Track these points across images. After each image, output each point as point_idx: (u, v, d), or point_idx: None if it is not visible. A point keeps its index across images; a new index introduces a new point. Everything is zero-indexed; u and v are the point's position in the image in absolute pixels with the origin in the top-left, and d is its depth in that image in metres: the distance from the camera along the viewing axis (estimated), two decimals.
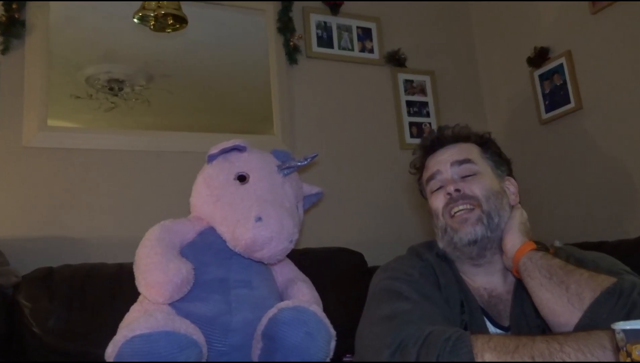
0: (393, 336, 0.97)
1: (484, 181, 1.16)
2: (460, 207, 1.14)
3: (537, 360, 0.83)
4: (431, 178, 1.21)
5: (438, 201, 1.18)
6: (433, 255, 1.21)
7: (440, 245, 1.20)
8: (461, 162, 1.18)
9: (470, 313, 1.09)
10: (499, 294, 1.16)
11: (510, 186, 1.24)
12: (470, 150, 1.21)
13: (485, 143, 1.25)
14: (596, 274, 0.98)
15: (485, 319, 1.10)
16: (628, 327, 0.61)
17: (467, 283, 1.16)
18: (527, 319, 1.09)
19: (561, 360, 0.81)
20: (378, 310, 1.08)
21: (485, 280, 1.17)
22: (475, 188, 1.14)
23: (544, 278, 1.00)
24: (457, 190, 1.14)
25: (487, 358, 0.86)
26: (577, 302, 0.94)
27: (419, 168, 1.30)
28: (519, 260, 1.06)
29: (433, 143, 1.24)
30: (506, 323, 1.11)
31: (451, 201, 1.14)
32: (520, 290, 1.12)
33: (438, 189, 1.19)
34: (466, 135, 1.24)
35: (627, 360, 0.60)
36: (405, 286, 1.09)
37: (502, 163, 1.25)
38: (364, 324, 1.12)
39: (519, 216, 1.16)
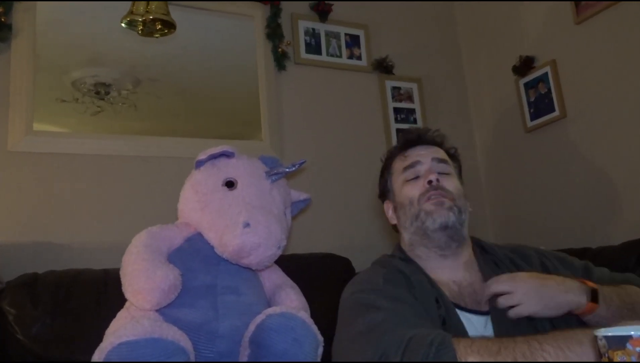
0: (373, 350, 0.97)
1: (456, 181, 1.26)
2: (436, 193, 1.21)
3: (519, 361, 0.85)
4: (410, 166, 1.26)
5: (414, 190, 1.24)
6: (396, 259, 1.26)
7: (407, 236, 1.26)
8: (441, 160, 1.26)
9: (446, 308, 1.11)
10: (470, 283, 1.20)
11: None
12: (445, 155, 1.31)
13: (454, 157, 1.36)
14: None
15: (458, 311, 1.12)
16: (610, 334, 0.63)
17: (436, 280, 1.20)
18: None
19: (542, 359, 0.84)
20: (352, 326, 1.09)
21: (452, 274, 1.22)
22: (451, 185, 1.23)
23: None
24: (438, 180, 1.21)
25: (471, 360, 0.88)
26: None
27: (390, 161, 1.35)
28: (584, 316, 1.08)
29: (418, 137, 1.31)
30: (485, 308, 1.14)
31: (431, 188, 1.20)
32: (490, 274, 1.18)
33: (414, 178, 1.25)
34: (441, 142, 1.33)
35: None
36: (374, 295, 1.11)
37: (461, 173, 1.36)
38: (340, 342, 1.13)
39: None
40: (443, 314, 1.09)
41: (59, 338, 1.44)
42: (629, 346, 0.60)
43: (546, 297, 1.03)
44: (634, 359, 0.59)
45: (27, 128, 1.81)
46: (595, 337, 0.64)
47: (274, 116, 2.22)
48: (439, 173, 1.24)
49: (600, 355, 0.64)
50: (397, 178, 1.30)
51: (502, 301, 1.07)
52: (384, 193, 1.37)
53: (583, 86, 2.15)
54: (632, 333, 0.60)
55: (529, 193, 2.37)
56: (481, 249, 1.29)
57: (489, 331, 1.10)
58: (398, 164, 1.31)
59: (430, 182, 1.21)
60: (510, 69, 2.42)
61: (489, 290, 1.10)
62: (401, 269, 1.21)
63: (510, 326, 1.08)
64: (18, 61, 1.83)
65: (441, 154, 1.30)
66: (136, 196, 1.93)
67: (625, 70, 1.99)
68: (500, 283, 1.08)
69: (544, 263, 1.23)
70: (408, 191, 1.25)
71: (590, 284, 1.08)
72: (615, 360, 0.61)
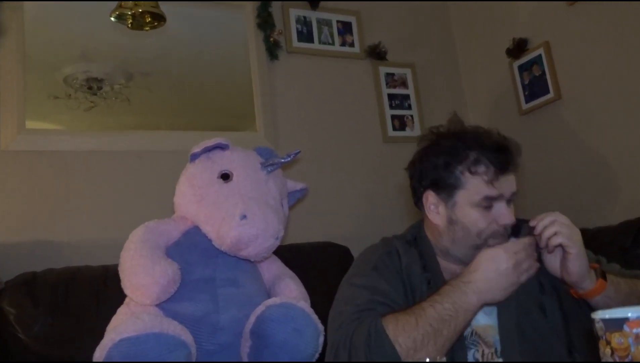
0: (332, 339, 1.15)
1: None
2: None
3: (434, 325, 1.02)
4: (493, 198, 1.15)
5: (484, 222, 1.16)
6: (402, 241, 1.29)
7: (447, 245, 1.23)
8: (515, 193, 1.20)
9: (436, 288, 1.15)
10: None
11: None
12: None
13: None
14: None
15: None
16: (607, 316, 0.63)
17: (441, 263, 1.24)
18: None
19: (448, 317, 1.02)
20: (331, 311, 1.23)
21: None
22: (514, 216, 1.20)
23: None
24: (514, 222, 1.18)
25: (402, 340, 1.02)
26: None
27: (467, 160, 1.19)
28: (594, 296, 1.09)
29: (512, 163, 1.19)
30: None
31: (505, 232, 1.17)
32: None
33: (487, 208, 1.16)
34: (519, 151, 1.23)
35: (607, 348, 0.62)
36: (358, 281, 1.23)
37: None
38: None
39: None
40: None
41: (60, 336, 1.45)
42: (625, 328, 0.60)
43: (580, 241, 1.07)
44: (630, 341, 0.59)
45: (19, 127, 1.80)
46: (593, 320, 0.65)
47: (267, 106, 2.21)
48: (508, 202, 1.19)
49: (597, 337, 0.64)
50: (469, 198, 1.17)
51: (545, 233, 1.08)
52: (437, 184, 1.22)
53: (577, 67, 2.14)
54: (629, 314, 0.61)
55: (525, 175, 2.36)
56: None
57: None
58: (479, 185, 1.16)
59: (505, 226, 1.17)
60: (503, 51, 2.41)
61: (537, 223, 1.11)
62: (399, 249, 1.25)
63: (513, 307, 1.12)
64: (7, 60, 1.82)
65: (515, 181, 1.21)
66: (132, 191, 1.92)
67: (619, 50, 1.99)
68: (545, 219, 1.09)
69: None
70: (479, 219, 1.16)
71: (595, 265, 1.11)
72: (612, 342, 0.61)
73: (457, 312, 1.02)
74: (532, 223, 1.12)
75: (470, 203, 1.16)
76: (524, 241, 1.10)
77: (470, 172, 1.16)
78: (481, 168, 1.16)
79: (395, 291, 1.17)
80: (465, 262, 1.15)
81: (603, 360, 0.63)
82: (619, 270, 1.24)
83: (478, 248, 1.15)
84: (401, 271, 1.21)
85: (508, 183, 1.17)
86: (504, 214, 1.15)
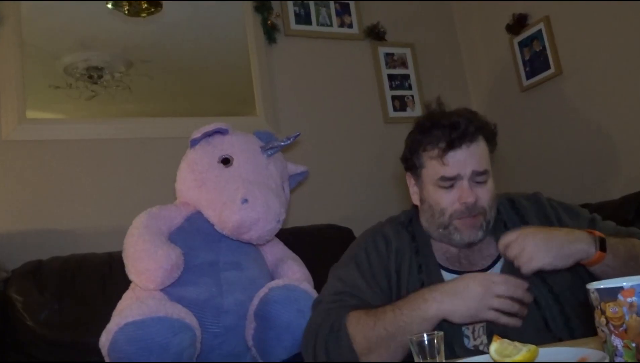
0: (307, 327, 1.19)
1: (490, 188, 1.18)
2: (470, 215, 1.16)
3: (388, 329, 1.03)
4: (448, 178, 1.15)
5: (446, 201, 1.16)
6: (394, 224, 1.29)
7: (425, 225, 1.24)
8: (480, 173, 1.16)
9: (428, 274, 1.17)
10: (475, 253, 1.22)
11: None
12: (485, 152, 1.19)
13: (493, 138, 1.23)
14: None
15: (445, 273, 1.18)
16: (602, 286, 0.63)
17: (435, 246, 1.23)
18: None
19: (403, 323, 1.02)
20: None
21: (466, 252, 1.23)
22: (485, 198, 1.16)
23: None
24: (475, 201, 1.14)
25: (358, 340, 1.05)
26: None
27: (421, 149, 1.21)
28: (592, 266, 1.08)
29: (459, 138, 1.15)
30: (479, 267, 1.18)
31: (466, 211, 1.15)
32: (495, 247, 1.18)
33: (449, 188, 1.16)
34: (482, 129, 1.19)
35: (602, 318, 0.63)
36: (341, 271, 1.24)
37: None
38: None
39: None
40: (423, 278, 1.17)
41: (67, 322, 1.47)
42: (620, 297, 0.61)
43: (555, 248, 1.03)
44: (625, 310, 0.60)
45: (20, 116, 1.80)
46: (587, 290, 0.65)
47: (267, 90, 2.20)
48: (477, 183, 1.16)
49: (592, 307, 0.64)
50: (430, 178, 1.18)
51: (515, 263, 1.05)
52: (409, 167, 1.25)
53: (578, 41, 2.12)
54: (624, 284, 0.61)
55: (527, 151, 2.36)
56: (497, 211, 1.26)
57: None
58: (434, 166, 1.17)
59: (465, 204, 1.15)
60: (503, 28, 2.38)
61: (505, 256, 1.08)
62: (389, 238, 1.25)
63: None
64: (5, 50, 1.82)
65: (481, 159, 1.16)
66: (134, 178, 1.93)
67: (620, 23, 1.96)
68: (510, 248, 1.06)
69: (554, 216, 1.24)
70: (441, 199, 1.17)
71: (597, 233, 1.08)
72: (607, 312, 0.62)
73: (413, 320, 1.01)
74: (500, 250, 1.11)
75: (432, 183, 1.18)
76: (512, 280, 1.05)
77: (425, 151, 1.19)
78: (431, 146, 1.17)
79: (370, 287, 1.19)
80: (446, 242, 1.20)
81: (598, 329, 0.64)
82: (615, 228, 1.22)
83: (446, 227, 1.16)
84: (388, 259, 1.21)
85: (464, 161, 1.14)
86: (463, 193, 1.14)
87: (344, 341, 1.06)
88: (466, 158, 1.14)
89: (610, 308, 0.61)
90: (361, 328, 1.06)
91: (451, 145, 1.14)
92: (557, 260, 1.03)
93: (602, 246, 1.05)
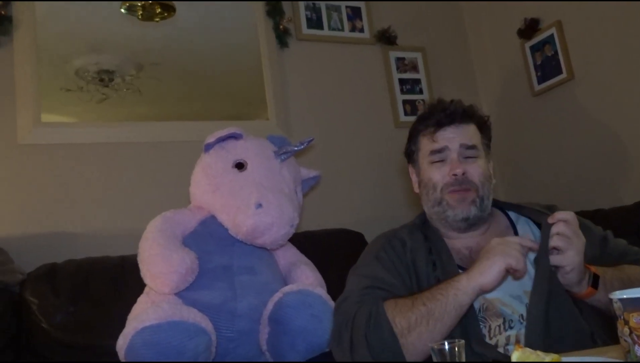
0: (336, 322, 1.21)
1: (481, 166, 1.26)
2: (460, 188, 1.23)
3: (427, 304, 1.06)
4: (437, 151, 1.26)
5: (438, 175, 1.25)
6: (407, 227, 1.34)
7: (427, 210, 1.31)
8: (469, 147, 1.25)
9: (443, 270, 1.19)
10: (483, 247, 1.22)
11: (491, 166, 1.35)
12: (475, 134, 1.29)
13: (486, 127, 1.33)
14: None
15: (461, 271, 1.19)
16: (625, 296, 0.64)
17: (449, 243, 1.26)
18: None
19: (439, 295, 1.06)
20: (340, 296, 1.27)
21: (467, 242, 1.28)
22: (476, 174, 1.23)
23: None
24: (464, 173, 1.22)
25: (397, 320, 1.07)
26: None
27: (417, 133, 1.34)
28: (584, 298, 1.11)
29: (449, 117, 1.27)
30: None
31: (456, 182, 1.22)
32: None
33: (440, 162, 1.26)
34: (472, 115, 1.30)
35: (625, 327, 0.63)
36: (360, 270, 1.28)
37: (489, 146, 1.35)
38: None
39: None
40: (439, 275, 1.19)
41: (81, 324, 1.48)
42: None
43: (578, 268, 1.06)
44: None
45: (35, 120, 1.82)
46: (610, 300, 0.65)
47: (279, 94, 2.21)
48: (466, 158, 1.24)
49: (616, 317, 0.64)
50: (424, 157, 1.30)
51: (559, 242, 1.07)
52: (409, 157, 1.39)
53: (590, 46, 2.12)
54: None
55: (539, 157, 2.36)
56: (506, 217, 1.33)
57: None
58: (426, 143, 1.30)
59: (455, 175, 1.22)
60: (515, 32, 2.38)
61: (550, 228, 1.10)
62: (404, 239, 1.29)
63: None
64: (21, 54, 1.83)
65: (469, 136, 1.27)
66: (147, 181, 1.94)
67: (632, 28, 1.96)
68: (559, 240, 1.08)
69: None
70: (433, 174, 1.26)
71: (594, 270, 1.10)
72: (630, 321, 0.61)
73: (448, 292, 1.05)
74: (549, 220, 1.12)
75: (426, 161, 1.28)
76: (517, 239, 1.11)
77: (419, 131, 1.32)
78: (423, 127, 1.31)
79: (395, 279, 1.22)
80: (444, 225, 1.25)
81: (621, 339, 0.64)
82: (624, 248, 1.24)
83: (440, 204, 1.24)
84: (405, 256, 1.26)
85: (453, 135, 1.25)
86: (452, 165, 1.23)
87: (384, 325, 1.08)
88: (455, 135, 1.25)
89: (634, 318, 0.61)
90: (400, 309, 1.09)
91: (440, 123, 1.26)
92: (570, 276, 1.08)
93: (594, 282, 1.08)
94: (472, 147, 1.25)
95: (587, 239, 1.19)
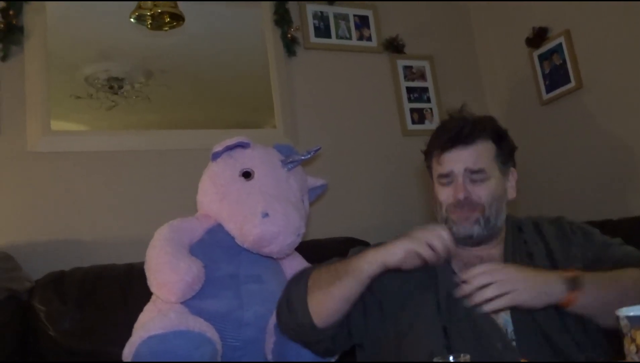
0: None
1: (490, 187, 1.21)
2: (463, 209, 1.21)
3: (338, 267, 1.14)
4: (443, 175, 1.23)
5: (444, 195, 1.24)
6: None
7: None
8: (474, 171, 1.20)
9: (447, 293, 1.15)
10: (491, 256, 1.24)
11: (512, 179, 1.29)
12: (485, 153, 1.22)
13: (502, 140, 1.26)
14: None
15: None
16: (632, 313, 0.63)
17: (460, 251, 1.22)
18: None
19: (348, 265, 1.12)
20: None
21: (478, 251, 1.25)
22: (482, 195, 1.20)
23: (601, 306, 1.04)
24: (466, 197, 1.20)
25: (312, 277, 1.18)
26: None
27: (430, 153, 1.31)
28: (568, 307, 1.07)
29: (451, 140, 1.22)
30: None
31: (459, 204, 1.20)
32: (511, 252, 1.23)
33: (447, 184, 1.23)
34: (484, 131, 1.23)
35: (632, 345, 0.62)
36: None
37: (510, 157, 1.28)
38: None
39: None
40: (441, 299, 1.17)
41: (88, 332, 1.49)
42: None
43: (537, 289, 1.02)
44: None
45: (44, 128, 1.83)
46: (617, 317, 0.65)
47: (286, 102, 2.22)
48: (473, 181, 1.20)
49: (623, 334, 0.64)
50: (435, 176, 1.28)
51: (492, 291, 1.02)
52: (428, 170, 1.35)
53: (599, 55, 2.11)
54: None
55: (547, 166, 2.34)
56: (518, 230, 1.29)
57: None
58: (435, 165, 1.27)
59: (459, 199, 1.20)
60: (523, 41, 2.37)
61: (468, 287, 1.05)
62: None
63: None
64: (32, 63, 1.85)
65: (475, 158, 1.21)
66: (155, 189, 1.95)
67: None
68: (491, 273, 1.05)
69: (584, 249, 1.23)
70: (440, 194, 1.25)
71: (573, 274, 1.05)
72: (638, 339, 0.61)
73: (358, 261, 1.11)
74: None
75: (436, 181, 1.27)
76: (438, 229, 1.11)
77: (430, 151, 1.30)
78: (432, 148, 1.28)
79: None
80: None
81: (628, 357, 0.63)
82: (626, 255, 1.19)
83: (446, 221, 1.22)
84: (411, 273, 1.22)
85: (457, 160, 1.21)
86: (456, 189, 1.21)
87: (302, 279, 1.20)
88: (460, 158, 1.21)
89: None
90: (320, 269, 1.19)
91: (444, 147, 1.23)
92: (535, 300, 1.03)
93: (576, 286, 1.03)
94: (479, 171, 1.20)
95: (582, 242, 1.21)
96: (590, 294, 1.03)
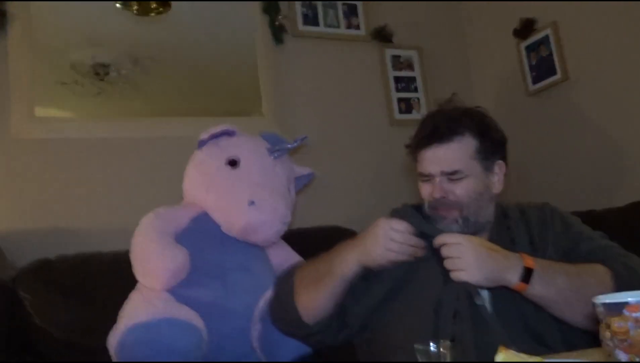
0: None
1: (468, 185, 1.19)
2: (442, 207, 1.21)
3: (318, 267, 1.21)
4: (421, 175, 1.24)
5: (425, 192, 1.24)
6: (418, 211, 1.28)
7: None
8: (450, 173, 1.18)
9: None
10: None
11: (499, 171, 1.25)
12: (463, 150, 1.19)
13: (485, 135, 1.22)
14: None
15: None
16: (607, 301, 0.64)
17: None
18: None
19: (329, 261, 1.19)
20: None
21: None
22: (460, 193, 1.18)
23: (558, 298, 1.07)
24: (443, 196, 1.19)
25: (297, 275, 1.24)
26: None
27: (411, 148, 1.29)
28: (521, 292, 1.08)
29: (427, 138, 1.21)
30: None
31: (437, 203, 1.20)
32: (495, 240, 1.19)
33: (427, 181, 1.23)
34: (462, 127, 1.19)
35: (607, 332, 0.63)
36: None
37: (496, 150, 1.24)
38: None
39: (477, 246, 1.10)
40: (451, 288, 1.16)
41: (74, 321, 1.48)
42: (625, 312, 0.62)
43: (487, 270, 1.04)
44: (630, 325, 0.61)
45: (29, 115, 1.81)
46: (593, 304, 0.66)
47: (274, 91, 2.21)
48: (450, 180, 1.18)
49: (598, 321, 0.65)
50: (417, 171, 1.27)
51: (448, 265, 1.07)
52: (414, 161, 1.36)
53: (585, 47, 2.12)
54: (629, 299, 0.62)
55: (533, 157, 2.36)
56: (504, 217, 1.28)
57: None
58: (416, 161, 1.26)
59: (436, 199, 1.20)
60: (510, 32, 2.38)
61: (438, 240, 1.10)
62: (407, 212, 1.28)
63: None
64: (15, 49, 1.82)
65: (451, 159, 1.18)
66: (141, 177, 1.94)
67: (628, 29, 1.96)
68: (447, 248, 1.08)
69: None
70: (421, 189, 1.25)
71: (530, 263, 1.06)
72: (612, 326, 0.62)
73: (333, 257, 1.18)
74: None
75: (418, 175, 1.26)
76: (405, 226, 1.14)
77: (410, 147, 1.28)
78: (412, 144, 1.27)
79: None
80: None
81: (603, 343, 0.65)
82: (601, 247, 1.20)
83: (430, 218, 1.22)
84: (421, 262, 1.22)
85: (433, 160, 1.20)
86: (434, 188, 1.20)
87: (290, 280, 1.24)
88: (435, 158, 1.20)
89: (616, 323, 0.62)
90: (306, 284, 1.22)
91: (420, 145, 1.22)
92: (485, 282, 1.05)
93: (528, 277, 1.04)
94: (454, 172, 1.18)
95: (559, 231, 1.22)
96: (542, 286, 1.04)
